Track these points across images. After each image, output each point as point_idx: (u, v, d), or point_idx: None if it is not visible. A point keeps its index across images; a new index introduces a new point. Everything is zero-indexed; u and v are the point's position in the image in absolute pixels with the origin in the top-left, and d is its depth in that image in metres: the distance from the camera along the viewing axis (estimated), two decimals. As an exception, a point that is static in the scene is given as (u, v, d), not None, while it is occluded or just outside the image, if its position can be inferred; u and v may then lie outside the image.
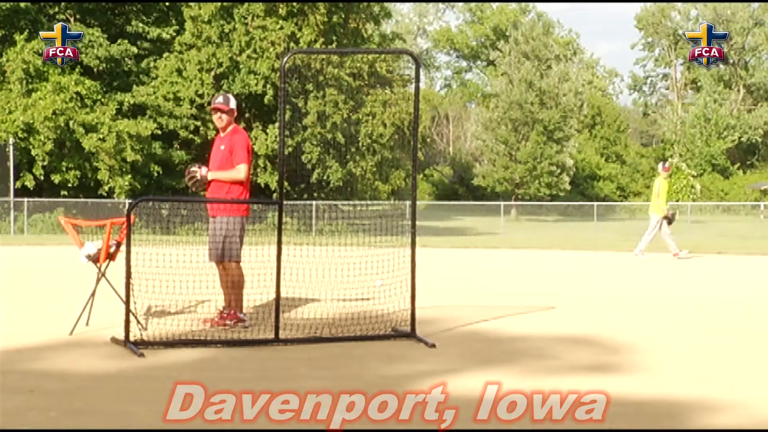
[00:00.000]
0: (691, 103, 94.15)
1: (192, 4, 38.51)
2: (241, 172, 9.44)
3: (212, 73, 38.26)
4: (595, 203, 50.86)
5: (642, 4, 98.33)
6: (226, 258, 9.47)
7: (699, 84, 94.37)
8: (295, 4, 38.13)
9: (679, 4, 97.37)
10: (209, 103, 37.85)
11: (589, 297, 13.21)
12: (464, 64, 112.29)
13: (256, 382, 7.09)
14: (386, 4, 45.51)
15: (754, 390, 6.96)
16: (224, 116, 9.63)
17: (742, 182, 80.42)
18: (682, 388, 6.98)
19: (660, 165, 22.00)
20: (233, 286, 9.55)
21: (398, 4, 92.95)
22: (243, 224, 9.60)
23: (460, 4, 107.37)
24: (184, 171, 10.04)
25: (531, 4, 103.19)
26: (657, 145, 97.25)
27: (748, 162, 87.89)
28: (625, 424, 5.89)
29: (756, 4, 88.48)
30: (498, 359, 8.11)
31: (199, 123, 38.06)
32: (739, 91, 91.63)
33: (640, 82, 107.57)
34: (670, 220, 21.06)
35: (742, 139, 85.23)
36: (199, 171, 9.67)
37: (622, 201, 78.84)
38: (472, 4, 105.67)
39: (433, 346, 8.57)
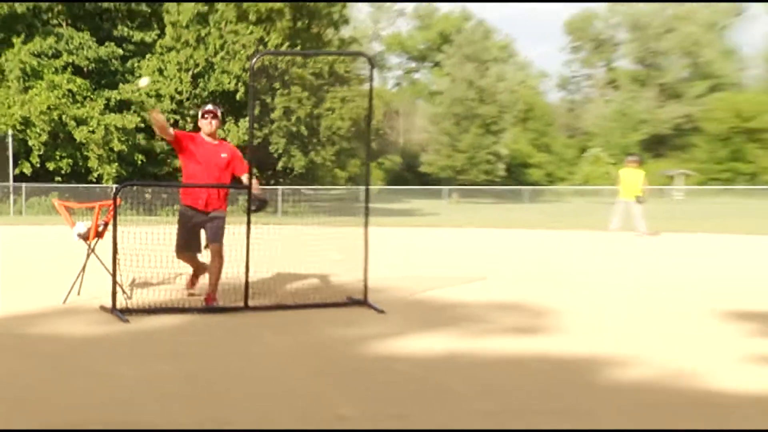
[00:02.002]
0: (611, 100, 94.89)
1: (172, 10, 38.11)
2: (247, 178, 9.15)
3: (190, 73, 37.91)
4: (526, 187, 51.13)
5: (572, 10, 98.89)
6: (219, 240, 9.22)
7: (618, 83, 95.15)
8: (263, 11, 37.86)
9: (600, 12, 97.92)
10: (188, 99, 37.40)
11: (520, 269, 13.33)
12: (413, 65, 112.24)
13: (228, 345, 7.13)
14: (344, 12, 45.22)
15: (660, 347, 7.10)
16: (214, 122, 9.29)
17: (653, 169, 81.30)
18: (597, 347, 7.10)
19: (627, 157, 23.10)
20: (217, 270, 9.23)
21: (355, 10, 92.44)
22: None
23: (410, 10, 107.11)
24: (257, 199, 9.06)
25: (473, 12, 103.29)
26: (580, 137, 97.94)
27: (659, 152, 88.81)
28: (544, 379, 6.00)
29: (669, 11, 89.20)
30: (440, 323, 8.18)
31: (178, 117, 37.70)
32: (652, 89, 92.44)
33: (567, 81, 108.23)
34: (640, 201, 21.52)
35: (653, 132, 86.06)
36: (263, 194, 9.15)
37: (549, 185, 79.45)
38: (422, 11, 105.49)
39: (383, 312, 8.63)
